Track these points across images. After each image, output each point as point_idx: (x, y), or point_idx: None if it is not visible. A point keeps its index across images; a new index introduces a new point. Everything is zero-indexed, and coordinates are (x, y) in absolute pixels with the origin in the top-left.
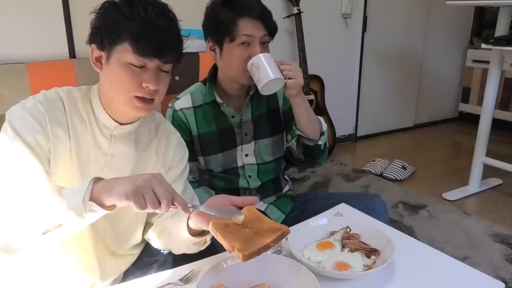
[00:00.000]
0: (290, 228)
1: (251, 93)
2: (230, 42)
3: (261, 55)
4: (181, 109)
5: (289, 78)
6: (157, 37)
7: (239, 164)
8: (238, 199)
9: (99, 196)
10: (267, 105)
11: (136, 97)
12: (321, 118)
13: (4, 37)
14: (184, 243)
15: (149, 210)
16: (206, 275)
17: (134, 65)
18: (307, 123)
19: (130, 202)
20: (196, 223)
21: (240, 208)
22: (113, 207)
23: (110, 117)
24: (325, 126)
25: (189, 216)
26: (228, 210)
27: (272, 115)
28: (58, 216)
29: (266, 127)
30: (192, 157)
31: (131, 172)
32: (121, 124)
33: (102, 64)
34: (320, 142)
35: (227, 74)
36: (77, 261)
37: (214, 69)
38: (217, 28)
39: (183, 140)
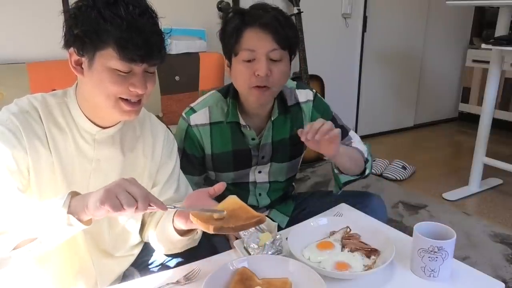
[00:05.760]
0: (290, 228)
1: (273, 118)
2: (235, 57)
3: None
4: (196, 125)
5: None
6: (143, 42)
7: (251, 179)
8: (212, 190)
9: (76, 211)
10: (291, 129)
11: (122, 99)
12: (361, 147)
13: (4, 37)
14: (175, 243)
15: (127, 211)
16: (212, 276)
17: (120, 71)
18: (351, 166)
19: (106, 207)
20: (178, 224)
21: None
22: (90, 221)
23: (91, 121)
24: (366, 152)
25: (173, 219)
26: (210, 210)
27: (293, 140)
28: (33, 229)
29: (286, 152)
30: (201, 172)
31: (119, 176)
32: (103, 127)
33: (82, 68)
34: (367, 172)
35: (239, 91)
36: (73, 266)
37: None
38: (224, 39)
39: (170, 134)
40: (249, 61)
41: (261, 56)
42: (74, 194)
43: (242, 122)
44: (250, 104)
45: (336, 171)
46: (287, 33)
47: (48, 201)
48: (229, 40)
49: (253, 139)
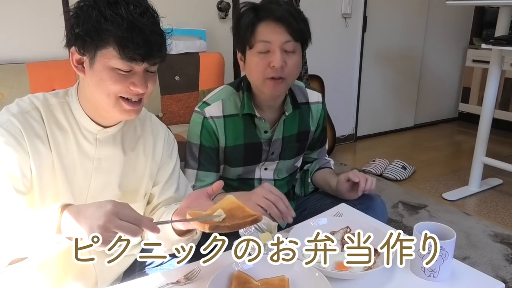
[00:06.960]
0: (290, 228)
1: (287, 113)
2: (250, 50)
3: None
4: (211, 117)
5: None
6: (144, 41)
7: (256, 176)
8: (210, 189)
9: (67, 229)
10: (298, 126)
11: (122, 98)
12: (332, 163)
13: (4, 37)
14: (174, 243)
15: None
16: (217, 276)
17: (121, 70)
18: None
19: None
20: (176, 224)
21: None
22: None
23: (92, 120)
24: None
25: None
26: (208, 217)
27: (300, 137)
28: (24, 248)
29: (293, 148)
30: (218, 167)
31: (121, 175)
32: (105, 127)
33: (84, 67)
34: None
35: (253, 84)
36: (73, 266)
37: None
38: (239, 35)
39: (171, 134)
40: (264, 52)
41: (275, 48)
42: (65, 207)
43: (257, 114)
44: (264, 96)
45: (309, 180)
46: (300, 26)
47: (39, 215)
48: (244, 34)
49: (265, 132)
